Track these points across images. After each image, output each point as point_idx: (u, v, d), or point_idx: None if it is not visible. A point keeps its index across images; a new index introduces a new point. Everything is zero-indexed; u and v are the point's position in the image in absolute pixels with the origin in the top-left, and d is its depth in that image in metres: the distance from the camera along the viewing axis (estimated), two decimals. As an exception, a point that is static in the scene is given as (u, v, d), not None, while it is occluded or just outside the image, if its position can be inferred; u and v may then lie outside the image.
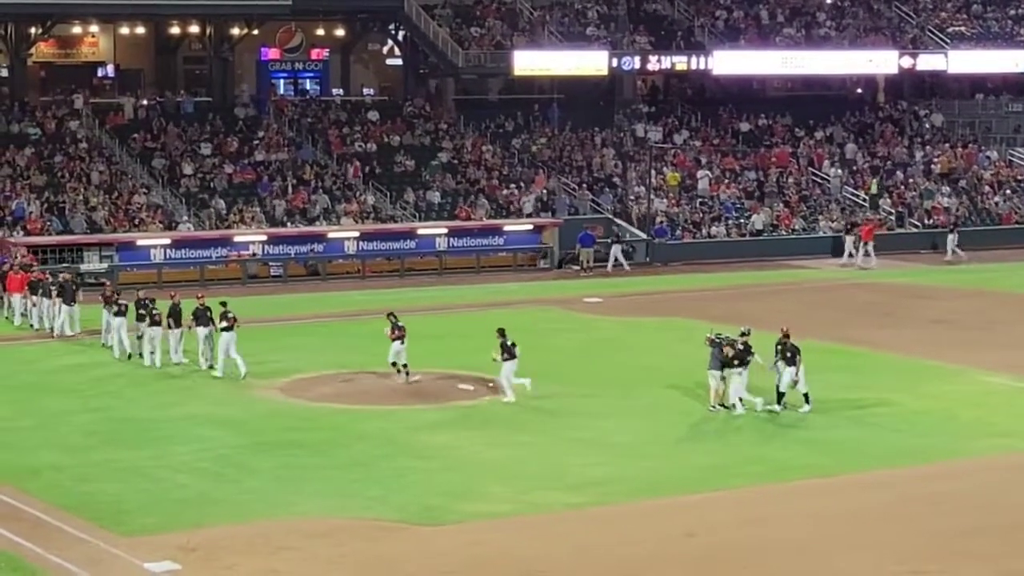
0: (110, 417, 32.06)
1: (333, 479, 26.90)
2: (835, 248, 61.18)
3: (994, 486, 26.83)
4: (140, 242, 53.76)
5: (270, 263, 55.14)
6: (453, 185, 61.86)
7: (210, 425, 31.17)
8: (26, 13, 61.16)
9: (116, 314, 38.63)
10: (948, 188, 68.47)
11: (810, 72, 73.26)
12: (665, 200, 63.37)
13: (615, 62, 66.92)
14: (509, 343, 33.19)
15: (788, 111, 72.76)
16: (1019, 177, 71.03)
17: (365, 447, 29.31)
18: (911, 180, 68.93)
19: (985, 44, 74.14)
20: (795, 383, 31.91)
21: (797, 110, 72.93)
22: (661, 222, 61.38)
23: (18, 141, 59.53)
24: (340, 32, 71.79)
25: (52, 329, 41.95)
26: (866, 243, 59.30)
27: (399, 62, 72.49)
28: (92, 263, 52.22)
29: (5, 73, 65.78)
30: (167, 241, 54.03)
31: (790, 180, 67.31)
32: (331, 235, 56.23)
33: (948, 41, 73.56)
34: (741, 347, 32.05)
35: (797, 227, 63.80)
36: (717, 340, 32.10)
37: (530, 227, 59.30)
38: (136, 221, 55.40)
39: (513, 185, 62.40)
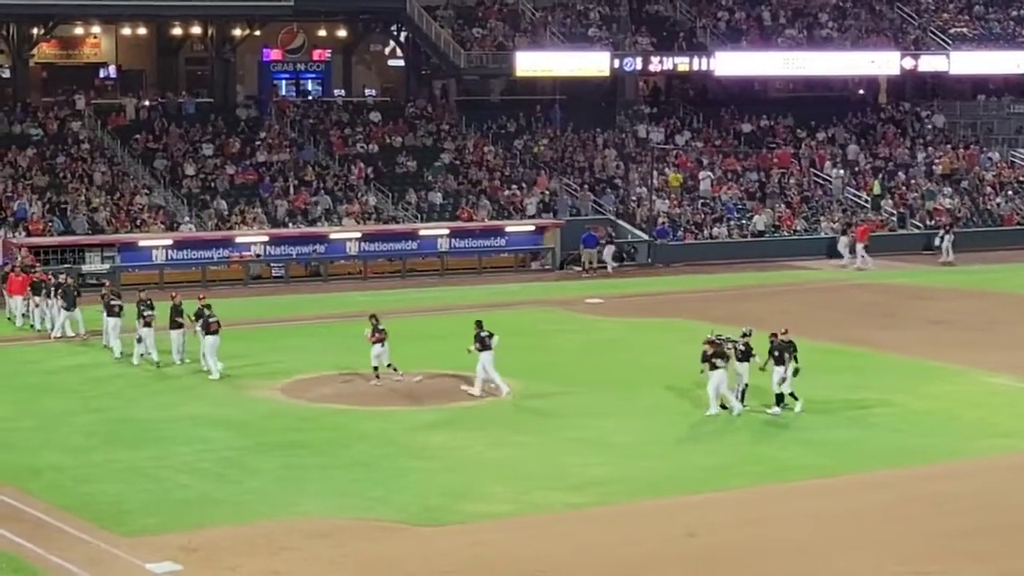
0: (111, 418, 32.07)
1: (334, 479, 26.91)
2: (831, 249, 61.09)
3: (995, 486, 26.81)
4: (142, 243, 53.80)
5: (272, 264, 55.17)
6: (455, 186, 61.87)
7: (211, 425, 31.18)
8: (28, 14, 61.18)
9: (109, 315, 38.69)
10: (950, 189, 68.45)
11: (812, 73, 73.25)
12: (667, 201, 63.37)
13: (617, 63, 66.93)
14: (484, 335, 33.26)
15: (790, 112, 72.76)
16: (1021, 178, 71.04)
17: (366, 447, 29.32)
18: (913, 181, 68.93)
19: (987, 45, 74.15)
20: (783, 381, 31.89)
21: (799, 111, 72.93)
22: (663, 223, 61.38)
23: (20, 142, 59.56)
24: (342, 33, 71.80)
25: (51, 330, 41.96)
26: (860, 244, 59.23)
27: (401, 63, 72.52)
28: (94, 264, 52.28)
29: (7, 74, 65.80)
30: (169, 242, 54.06)
31: (792, 181, 67.30)
32: (333, 236, 56.25)
33: (950, 42, 73.55)
34: (743, 348, 32.09)
35: (799, 228, 63.80)
36: (718, 341, 32.12)
37: (532, 228, 59.32)
38: (138, 222, 55.42)
39: (515, 186, 62.41)
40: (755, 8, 73.73)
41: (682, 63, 68.76)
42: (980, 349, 40.27)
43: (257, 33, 67.15)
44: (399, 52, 72.28)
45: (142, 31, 69.00)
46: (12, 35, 63.21)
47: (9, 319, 44.36)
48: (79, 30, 69.16)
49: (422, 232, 57.57)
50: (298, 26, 71.10)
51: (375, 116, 66.09)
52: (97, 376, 36.67)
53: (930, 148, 72.35)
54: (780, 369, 31.84)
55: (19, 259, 48.46)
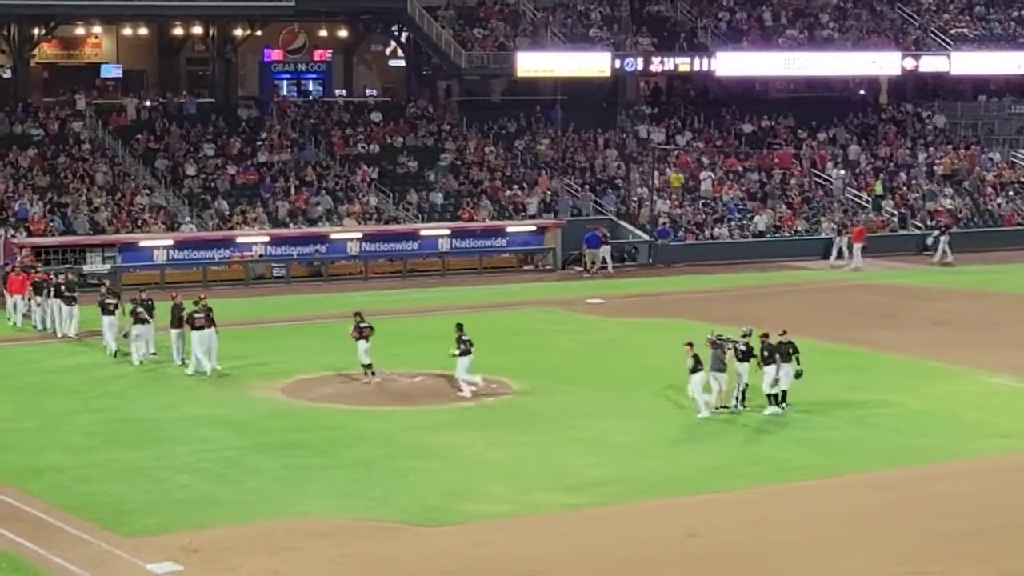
0: (112, 418, 32.09)
1: (334, 480, 26.92)
2: (828, 250, 61.06)
3: (996, 487, 26.83)
4: (143, 243, 53.81)
5: (273, 264, 55.18)
6: (456, 186, 61.87)
7: (212, 426, 31.20)
8: (29, 14, 61.16)
9: (104, 312, 38.81)
10: (951, 189, 68.45)
11: (813, 73, 73.23)
12: (668, 201, 63.37)
13: (618, 63, 66.91)
14: (465, 338, 33.31)
15: (791, 112, 72.73)
16: (1022, 179, 71.00)
17: (366, 447, 29.33)
18: (914, 182, 68.93)
19: (988, 46, 74.13)
20: (776, 382, 31.89)
21: (800, 111, 72.90)
22: (664, 223, 61.38)
23: (21, 142, 59.56)
24: (343, 33, 71.81)
25: (55, 330, 42.03)
26: (857, 245, 59.19)
27: (402, 63, 72.53)
28: (95, 264, 52.28)
29: (8, 74, 65.78)
30: (170, 242, 54.07)
31: (793, 181, 67.29)
32: (334, 236, 56.25)
33: (951, 43, 73.53)
34: (744, 348, 32.09)
35: (800, 228, 63.79)
36: (719, 341, 32.13)
37: (533, 228, 59.32)
38: (139, 222, 55.42)
39: (516, 186, 62.41)
40: (756, 8, 73.71)
41: (683, 63, 68.74)
42: (981, 349, 40.28)
43: (258, 33, 67.17)
44: (400, 52, 72.29)
45: (143, 31, 68.98)
46: (13, 35, 63.19)
47: (9, 319, 44.36)
48: (80, 30, 69.12)
49: (423, 232, 57.57)
50: (299, 26, 71.10)
51: (376, 116, 66.08)
52: (98, 376, 36.69)
53: (931, 149, 72.34)
54: (771, 369, 31.79)
55: (19, 259, 48.48)
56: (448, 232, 57.71)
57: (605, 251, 58.12)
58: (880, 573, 22.04)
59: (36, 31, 63.56)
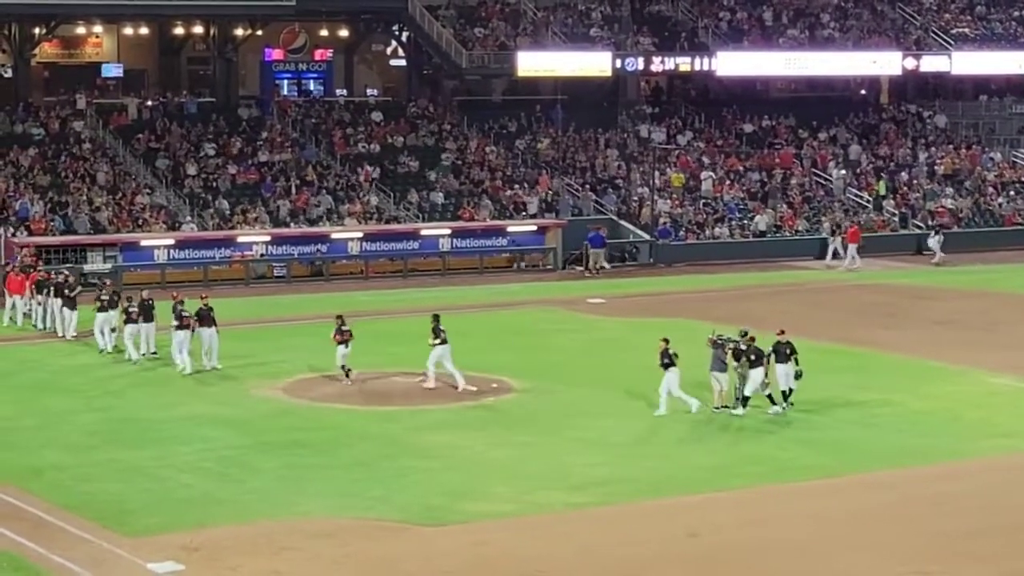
0: (113, 417, 32.09)
1: (336, 479, 26.91)
2: (824, 250, 61.07)
3: (997, 487, 26.81)
4: (144, 242, 53.82)
5: (273, 263, 55.18)
6: (456, 186, 61.87)
7: (213, 425, 31.20)
8: (30, 13, 61.21)
9: (97, 310, 38.85)
10: (952, 189, 68.44)
11: (814, 73, 73.26)
12: (669, 201, 63.36)
13: (619, 63, 66.93)
14: (442, 328, 33.79)
15: (792, 112, 72.74)
16: (1022, 178, 70.99)
17: (367, 447, 29.32)
18: (915, 181, 68.92)
19: (989, 46, 74.13)
20: (766, 384, 31.86)
21: (801, 111, 72.91)
22: (665, 223, 61.36)
23: (22, 141, 59.59)
24: (344, 33, 71.86)
25: (55, 329, 42.04)
26: (852, 245, 59.14)
27: (403, 63, 72.58)
28: (96, 263, 52.29)
29: (9, 73, 65.85)
30: (171, 241, 54.08)
31: (793, 181, 67.28)
32: (335, 236, 56.26)
33: (952, 42, 73.52)
34: (744, 348, 32.06)
35: (800, 228, 63.78)
36: (719, 341, 32.13)
37: (533, 228, 59.31)
38: (139, 221, 55.45)
39: (517, 186, 62.41)
40: (757, 8, 73.70)
41: (684, 63, 68.75)
42: (982, 349, 40.26)
43: (259, 33, 67.23)
44: (401, 52, 72.32)
45: (144, 31, 69.08)
46: (14, 35, 63.25)
47: (10, 319, 44.32)
48: (81, 29, 69.22)
49: (424, 232, 57.58)
50: (300, 26, 71.17)
51: (377, 116, 66.10)
52: (98, 375, 36.70)
53: (932, 148, 72.33)
54: (759, 371, 31.69)
55: (19, 258, 48.47)
56: (449, 232, 57.72)
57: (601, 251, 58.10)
58: (881, 573, 22.03)
59: (37, 30, 63.64)
